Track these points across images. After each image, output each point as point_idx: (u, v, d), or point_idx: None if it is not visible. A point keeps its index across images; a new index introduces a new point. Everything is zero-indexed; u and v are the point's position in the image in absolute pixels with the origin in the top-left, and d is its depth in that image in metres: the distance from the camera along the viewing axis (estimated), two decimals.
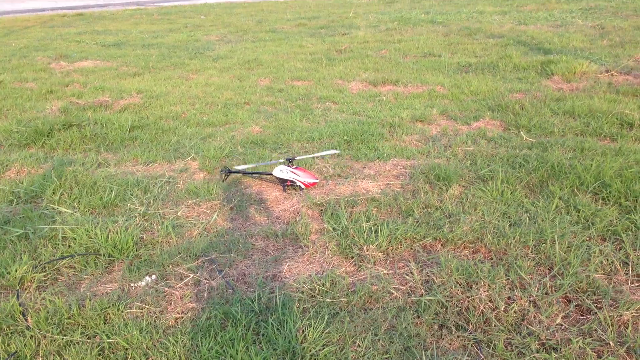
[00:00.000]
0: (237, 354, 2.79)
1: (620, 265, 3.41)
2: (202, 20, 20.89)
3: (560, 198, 4.26)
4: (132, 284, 3.50)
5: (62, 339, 2.97)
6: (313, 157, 5.44)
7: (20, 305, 3.23)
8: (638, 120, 5.84)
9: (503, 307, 3.07)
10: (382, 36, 13.92)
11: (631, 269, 3.39)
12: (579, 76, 8.25)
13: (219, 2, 31.30)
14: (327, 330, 2.96)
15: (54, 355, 2.87)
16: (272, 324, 3.01)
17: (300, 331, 2.96)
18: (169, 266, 3.67)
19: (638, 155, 4.94)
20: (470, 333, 2.94)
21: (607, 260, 3.46)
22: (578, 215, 4.00)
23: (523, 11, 17.31)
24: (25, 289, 3.48)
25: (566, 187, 4.44)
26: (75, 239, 3.97)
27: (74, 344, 2.93)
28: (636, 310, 2.98)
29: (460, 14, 17.52)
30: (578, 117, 6.26)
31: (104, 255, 3.79)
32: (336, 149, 5.73)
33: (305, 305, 3.20)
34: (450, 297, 3.19)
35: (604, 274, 3.34)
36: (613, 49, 10.19)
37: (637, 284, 3.27)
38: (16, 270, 3.57)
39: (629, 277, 3.32)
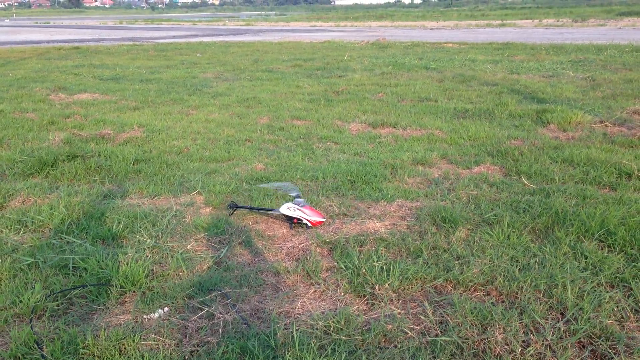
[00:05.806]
0: None
1: (631, 312, 3.46)
2: (199, 58, 21.13)
3: (567, 244, 4.33)
4: (145, 316, 3.48)
5: None
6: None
7: (34, 334, 3.20)
8: (636, 170, 5.98)
9: (519, 350, 3.09)
10: (377, 80, 14.16)
11: None
12: (574, 126, 8.45)
13: (213, 41, 31.70)
14: None
15: None
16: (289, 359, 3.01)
17: None
18: (182, 299, 3.66)
19: (639, 204, 5.05)
20: None
21: (618, 306, 3.51)
22: (586, 262, 4.06)
23: (514, 61, 17.75)
24: (38, 318, 3.45)
25: (572, 234, 4.51)
26: (86, 269, 3.95)
27: None
28: None
29: (453, 61, 17.91)
30: (577, 166, 6.39)
31: (115, 286, 3.77)
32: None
33: (322, 342, 3.20)
34: (466, 339, 3.21)
35: (615, 320, 3.39)
36: (605, 101, 10.46)
37: None
38: (29, 299, 3.54)
39: None
